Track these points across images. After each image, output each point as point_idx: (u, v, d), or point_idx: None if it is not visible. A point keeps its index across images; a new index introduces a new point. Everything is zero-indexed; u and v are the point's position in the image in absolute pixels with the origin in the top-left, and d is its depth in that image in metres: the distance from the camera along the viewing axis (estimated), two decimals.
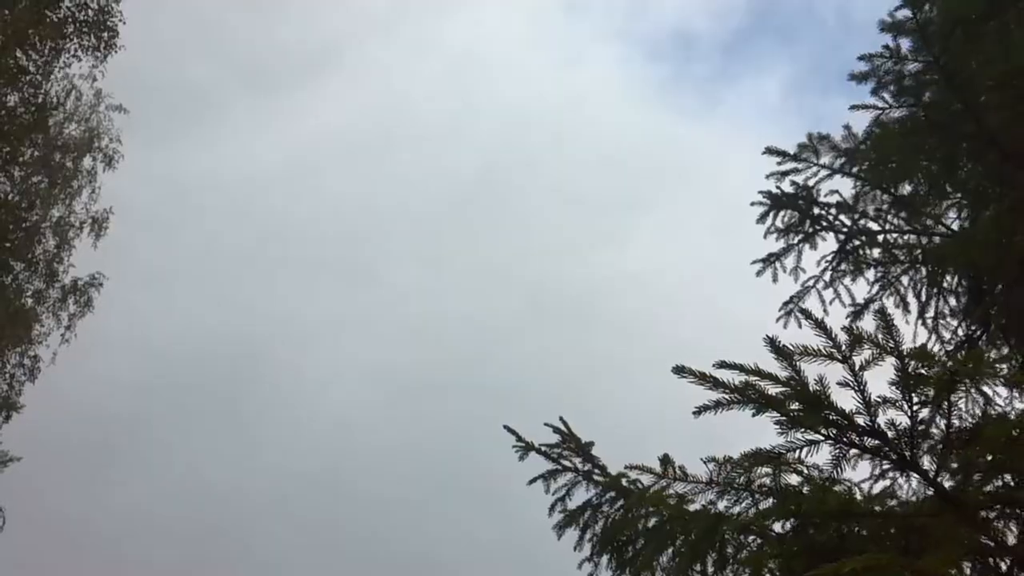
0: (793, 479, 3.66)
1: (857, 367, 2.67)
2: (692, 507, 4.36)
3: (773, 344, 2.71)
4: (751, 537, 4.31)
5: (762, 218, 6.29)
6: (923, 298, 5.94)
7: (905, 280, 5.98)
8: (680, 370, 2.78)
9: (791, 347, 2.68)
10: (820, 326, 2.67)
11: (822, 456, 2.81)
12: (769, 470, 3.98)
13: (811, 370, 2.72)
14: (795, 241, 6.33)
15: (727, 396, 2.79)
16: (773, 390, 2.72)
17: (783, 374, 2.74)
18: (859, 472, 3.43)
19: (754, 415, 2.86)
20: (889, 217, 6.01)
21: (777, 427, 2.84)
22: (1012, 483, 2.53)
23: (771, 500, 4.13)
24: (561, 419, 5.30)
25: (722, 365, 2.79)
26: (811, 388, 2.70)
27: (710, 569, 4.41)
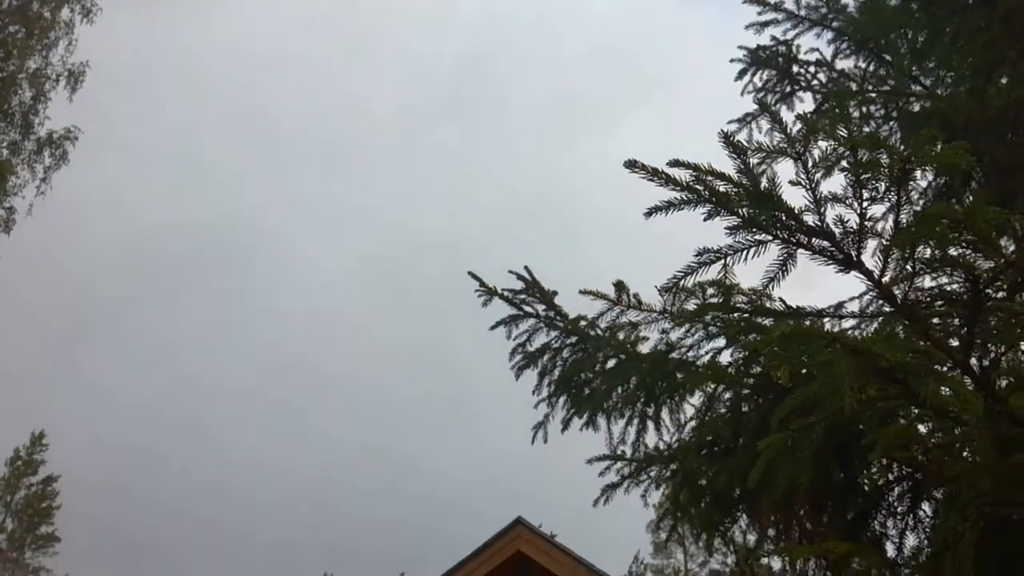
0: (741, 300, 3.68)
1: (810, 164, 2.62)
2: (644, 335, 4.41)
3: (727, 139, 2.65)
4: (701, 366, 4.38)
5: (740, 75, 6.17)
6: None
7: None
8: (632, 164, 2.72)
9: (744, 143, 2.63)
10: (775, 119, 2.61)
11: (769, 256, 2.77)
12: (720, 297, 4.02)
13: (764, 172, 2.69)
14: (772, 101, 6.23)
15: (679, 195, 2.74)
16: (724, 188, 2.68)
17: (735, 174, 2.70)
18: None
19: (706, 219, 2.83)
20: (868, 77, 5.90)
21: (727, 231, 2.81)
22: (953, 279, 2.51)
23: (723, 337, 4.19)
24: (526, 268, 5.29)
25: (676, 164, 2.73)
26: (762, 186, 2.65)
27: (660, 396, 4.49)
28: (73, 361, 67.24)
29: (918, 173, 3.13)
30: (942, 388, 2.32)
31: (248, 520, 64.53)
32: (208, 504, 63.09)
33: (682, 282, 2.83)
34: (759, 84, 6.14)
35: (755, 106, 6.18)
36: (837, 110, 2.33)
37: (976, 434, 2.49)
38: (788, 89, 6.12)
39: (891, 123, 5.56)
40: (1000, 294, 2.52)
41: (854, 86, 5.93)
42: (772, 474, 2.67)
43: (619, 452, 4.74)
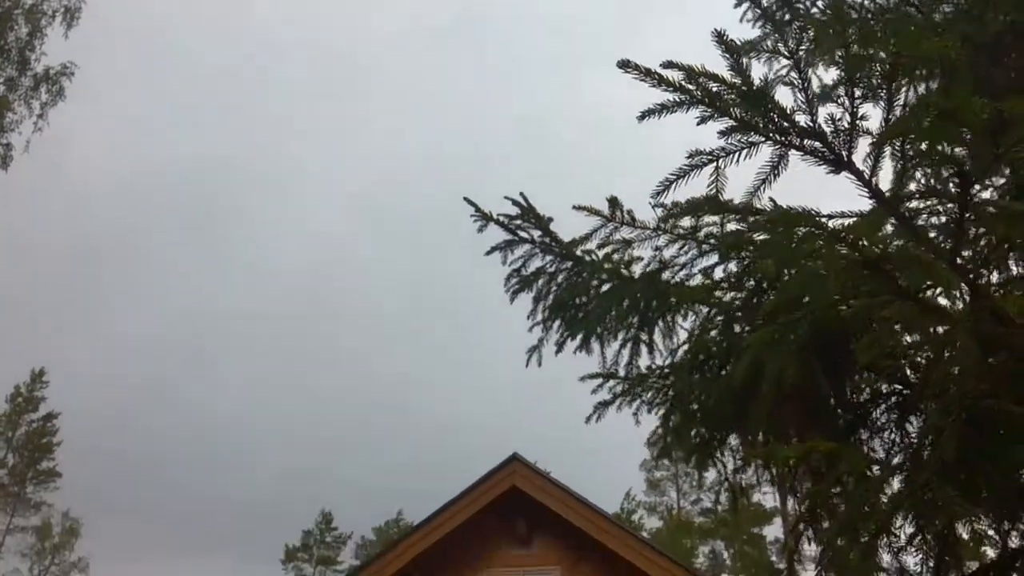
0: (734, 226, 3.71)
1: (803, 64, 2.63)
2: (638, 255, 4.45)
3: (720, 38, 2.65)
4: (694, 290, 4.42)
5: (739, 2, 6.11)
6: None
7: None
8: (625, 64, 2.72)
9: (738, 41, 2.63)
10: (770, 19, 2.61)
11: (761, 158, 2.79)
12: (715, 219, 4.04)
13: (758, 71, 2.70)
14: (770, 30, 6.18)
15: (672, 96, 2.75)
16: (717, 88, 2.68)
17: (728, 75, 2.70)
18: None
19: (699, 123, 2.83)
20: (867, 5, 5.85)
21: (719, 134, 2.82)
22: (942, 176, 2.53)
23: (715, 253, 4.22)
24: (521, 194, 5.29)
25: (668, 65, 2.74)
26: (755, 86, 2.66)
27: (653, 317, 4.53)
28: (73, 296, 67.45)
29: (907, 85, 3.14)
30: (927, 281, 2.36)
31: (248, 454, 65.50)
32: (208, 436, 63.95)
33: (674, 185, 2.84)
34: (758, 13, 6.08)
35: (753, 35, 6.14)
36: (832, 11, 2.33)
37: (960, 332, 2.53)
38: (787, 17, 6.07)
39: None
40: (989, 192, 2.54)
41: (854, 14, 5.88)
42: (758, 369, 2.72)
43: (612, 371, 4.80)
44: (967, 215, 2.48)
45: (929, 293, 2.78)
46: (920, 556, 3.00)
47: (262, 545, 56.54)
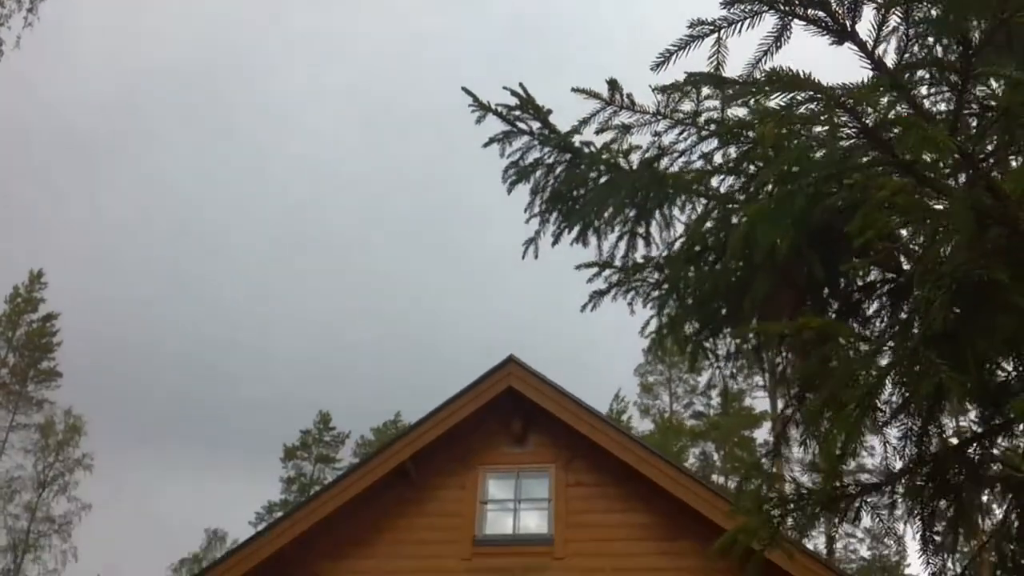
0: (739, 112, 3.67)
1: None
2: (637, 144, 4.42)
3: None
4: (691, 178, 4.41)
5: None
6: None
7: None
8: None
9: None
10: None
11: (764, 29, 2.74)
12: (716, 103, 4.00)
13: None
14: None
15: None
16: None
17: None
18: None
19: None
20: None
21: (722, 3, 2.77)
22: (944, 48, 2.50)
23: (716, 139, 4.19)
24: (520, 84, 5.22)
25: None
26: None
27: (650, 207, 4.54)
28: (65, 199, 67.22)
29: None
30: (925, 149, 2.35)
31: (248, 354, 66.47)
32: (207, 339, 64.77)
33: (675, 56, 2.81)
34: None
35: None
36: None
37: (956, 203, 2.54)
38: None
39: None
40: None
41: None
42: (753, 237, 2.73)
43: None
44: (968, 84, 2.46)
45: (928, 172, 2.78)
46: (904, 430, 3.08)
47: (266, 443, 57.83)
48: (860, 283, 4.03)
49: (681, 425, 34.93)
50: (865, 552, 35.49)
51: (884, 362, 2.92)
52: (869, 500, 3.27)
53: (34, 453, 38.66)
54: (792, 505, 3.19)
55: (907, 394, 2.65)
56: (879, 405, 3.04)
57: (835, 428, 2.62)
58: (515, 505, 11.18)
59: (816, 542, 32.98)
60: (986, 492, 4.04)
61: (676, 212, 4.95)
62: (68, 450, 39.17)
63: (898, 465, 3.18)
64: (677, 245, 4.84)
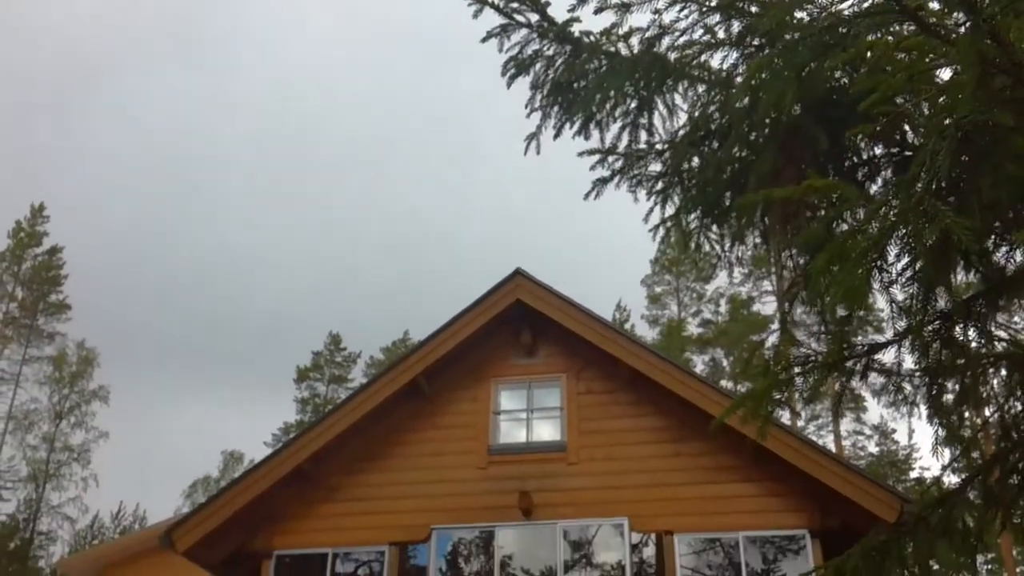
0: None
1: None
2: (636, 22, 4.35)
3: None
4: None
5: None
6: None
7: None
8: None
9: None
10: None
11: None
12: None
13: None
14: None
15: None
16: None
17: None
18: None
19: None
20: None
21: None
22: None
23: (717, 14, 4.12)
24: None
25: None
26: None
27: (652, 92, 4.49)
28: (65, 128, 66.80)
29: None
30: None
31: (257, 276, 66.94)
32: (216, 260, 65.15)
33: None
34: None
35: None
36: None
37: (961, 48, 2.51)
38: None
39: None
40: None
41: None
42: (756, 95, 2.71)
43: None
44: None
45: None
46: (910, 290, 3.10)
47: (279, 367, 58.54)
48: (865, 156, 4.01)
49: (682, 326, 35.22)
50: (873, 448, 36.10)
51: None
52: (876, 359, 3.30)
53: (48, 385, 39.04)
54: (800, 368, 3.23)
55: (913, 245, 2.65)
56: (885, 266, 3.05)
57: (841, 282, 2.63)
58: (527, 415, 11.36)
59: (825, 439, 33.55)
60: (991, 369, 4.09)
61: (678, 100, 4.91)
62: (82, 382, 39.57)
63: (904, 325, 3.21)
64: (681, 134, 4.81)
